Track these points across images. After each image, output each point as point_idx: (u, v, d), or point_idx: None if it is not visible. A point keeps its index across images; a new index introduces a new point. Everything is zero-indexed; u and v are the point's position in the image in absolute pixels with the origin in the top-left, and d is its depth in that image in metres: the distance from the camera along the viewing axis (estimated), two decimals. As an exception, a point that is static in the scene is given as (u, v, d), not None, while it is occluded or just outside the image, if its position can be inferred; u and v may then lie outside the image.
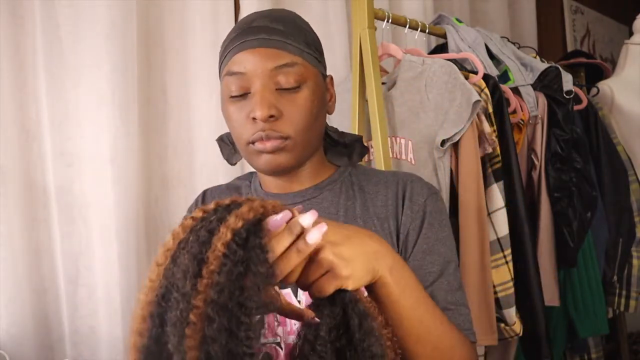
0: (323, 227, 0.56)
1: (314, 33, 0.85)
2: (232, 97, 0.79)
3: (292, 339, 0.79)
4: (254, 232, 0.53)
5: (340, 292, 0.58)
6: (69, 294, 1.20)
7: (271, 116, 0.76)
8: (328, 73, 0.89)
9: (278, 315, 0.78)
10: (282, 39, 0.78)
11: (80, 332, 1.20)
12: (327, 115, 0.87)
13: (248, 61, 0.77)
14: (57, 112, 1.20)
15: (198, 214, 0.55)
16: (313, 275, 0.58)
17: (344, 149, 0.92)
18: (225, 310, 0.49)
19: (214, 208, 0.55)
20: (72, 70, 1.21)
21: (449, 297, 0.78)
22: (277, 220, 0.55)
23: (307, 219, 0.56)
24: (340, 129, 0.96)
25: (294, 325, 0.79)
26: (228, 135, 0.93)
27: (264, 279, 0.51)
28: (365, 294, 0.63)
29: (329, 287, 0.58)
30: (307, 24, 0.85)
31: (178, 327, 0.50)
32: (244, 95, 0.78)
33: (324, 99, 0.83)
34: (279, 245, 0.54)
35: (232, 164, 0.96)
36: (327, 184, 0.87)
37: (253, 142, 0.78)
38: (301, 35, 0.80)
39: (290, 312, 0.63)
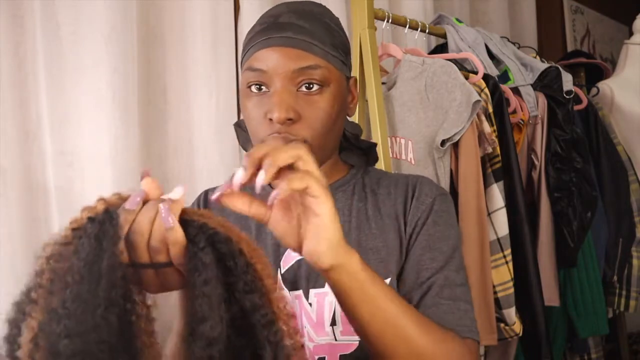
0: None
1: (343, 33, 0.83)
2: (251, 92, 0.78)
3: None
4: (112, 212, 0.51)
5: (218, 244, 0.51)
6: (69, 294, 1.20)
7: (289, 119, 0.74)
8: None
9: None
10: (308, 40, 0.76)
11: (80, 332, 1.20)
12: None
13: (271, 59, 0.75)
14: (57, 112, 1.20)
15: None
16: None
17: (360, 150, 0.92)
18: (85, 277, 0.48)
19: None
20: (72, 71, 1.21)
21: (444, 292, 0.75)
22: (132, 197, 0.51)
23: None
24: None
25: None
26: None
27: (115, 241, 0.49)
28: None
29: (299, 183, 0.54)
30: (336, 21, 0.83)
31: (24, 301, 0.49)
32: (263, 92, 0.77)
33: (344, 102, 0.82)
34: (143, 212, 0.51)
35: (248, 151, 0.94)
36: (340, 185, 0.86)
37: None
38: (329, 36, 0.78)
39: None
